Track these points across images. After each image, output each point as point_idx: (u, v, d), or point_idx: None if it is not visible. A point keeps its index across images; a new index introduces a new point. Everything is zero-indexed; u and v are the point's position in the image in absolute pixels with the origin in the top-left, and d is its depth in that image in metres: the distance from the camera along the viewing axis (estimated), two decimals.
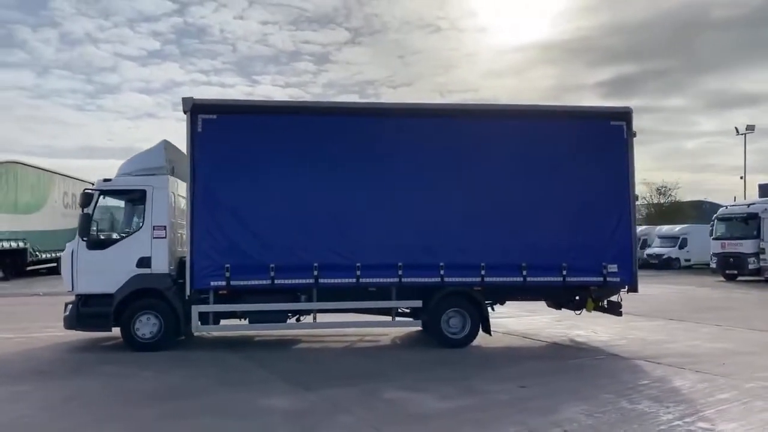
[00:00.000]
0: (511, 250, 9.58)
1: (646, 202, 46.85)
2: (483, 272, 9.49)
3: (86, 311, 9.15)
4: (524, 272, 9.54)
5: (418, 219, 9.47)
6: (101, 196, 9.43)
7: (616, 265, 9.76)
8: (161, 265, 9.27)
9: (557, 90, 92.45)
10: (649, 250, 35.52)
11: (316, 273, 9.20)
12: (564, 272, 9.62)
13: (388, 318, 9.70)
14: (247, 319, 9.51)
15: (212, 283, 9.09)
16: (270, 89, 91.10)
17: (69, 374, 7.78)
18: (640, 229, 37.90)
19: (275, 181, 9.30)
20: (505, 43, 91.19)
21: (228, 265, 9.07)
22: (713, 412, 6.17)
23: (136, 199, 9.50)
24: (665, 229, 36.96)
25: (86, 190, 9.25)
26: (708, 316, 13.76)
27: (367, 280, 9.35)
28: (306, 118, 9.52)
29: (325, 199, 9.36)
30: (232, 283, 9.10)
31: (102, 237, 9.58)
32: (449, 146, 9.64)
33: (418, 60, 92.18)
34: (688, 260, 34.63)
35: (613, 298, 10.26)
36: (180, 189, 9.63)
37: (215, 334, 10.47)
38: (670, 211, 45.15)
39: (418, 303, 9.54)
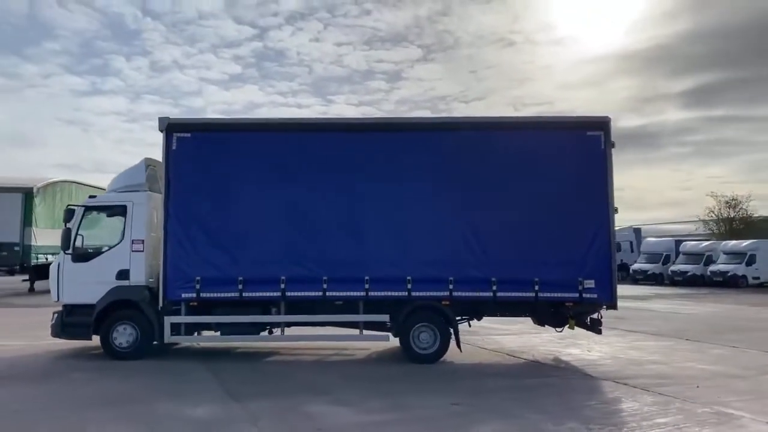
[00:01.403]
0: (480, 264, 9.40)
1: (714, 217, 44.27)
2: (451, 286, 9.35)
3: (69, 320, 9.69)
4: (494, 287, 9.33)
5: (384, 233, 9.47)
6: (86, 212, 9.98)
7: (593, 281, 9.38)
8: (139, 277, 9.70)
9: (636, 101, 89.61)
10: (713, 267, 33.51)
11: (283, 286, 9.35)
12: (536, 288, 9.33)
13: (357, 331, 9.69)
14: (219, 331, 9.76)
15: (183, 295, 9.42)
16: (344, 108, 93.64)
17: (35, 379, 8.23)
18: (704, 244, 35.98)
19: (243, 197, 9.55)
20: (581, 55, 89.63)
21: (198, 278, 9.38)
22: None
23: (117, 214, 9.98)
24: (731, 244, 34.76)
25: (69, 206, 9.84)
26: (731, 338, 12.93)
27: (334, 293, 9.41)
28: (272, 135, 9.75)
29: (291, 213, 9.53)
30: (202, 295, 9.40)
31: (90, 250, 10.09)
32: (418, 160, 9.59)
33: (492, 74, 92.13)
34: (757, 278, 32.40)
35: (594, 316, 9.84)
36: (161, 205, 10.03)
37: (203, 344, 10.81)
38: (741, 226, 42.39)
39: (385, 317, 9.51)
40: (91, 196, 10.30)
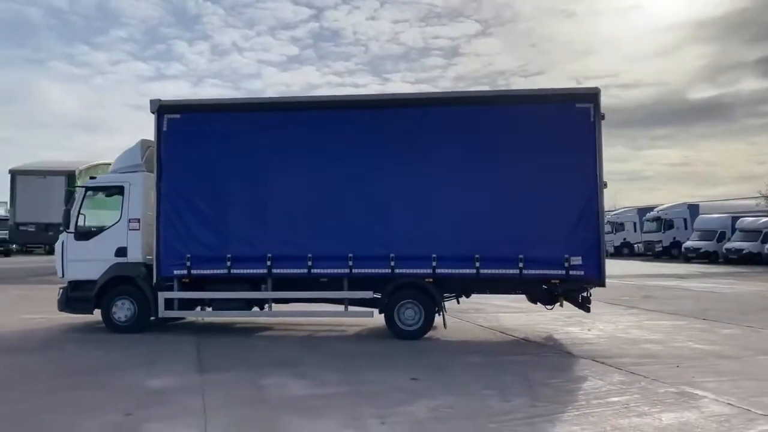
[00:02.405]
0: (463, 241, 9.31)
1: None
2: (434, 264, 9.31)
3: (73, 296, 10.24)
4: (477, 264, 9.22)
5: (367, 210, 9.51)
6: (87, 192, 10.45)
7: (579, 258, 9.13)
8: (136, 254, 10.12)
9: (711, 70, 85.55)
10: None
11: (269, 264, 9.56)
12: (521, 265, 9.17)
13: (343, 308, 9.81)
14: (211, 307, 10.09)
15: (175, 272, 9.77)
16: (400, 86, 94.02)
17: (34, 349, 8.75)
18: (762, 220, 34.21)
19: (230, 176, 9.76)
20: (649, 24, 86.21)
21: (189, 255, 9.70)
22: (573, 415, 5.72)
23: (116, 194, 10.41)
24: None
25: (69, 188, 10.33)
26: (754, 318, 12.40)
27: (319, 270, 9.54)
28: (256, 114, 9.92)
29: (277, 191, 9.69)
30: (193, 272, 9.72)
31: (93, 229, 10.58)
32: (400, 135, 9.55)
33: (553, 47, 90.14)
34: None
35: (584, 293, 9.58)
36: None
37: (207, 319, 11.21)
38: None
39: (369, 294, 9.57)
40: (91, 177, 10.78)
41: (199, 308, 10.30)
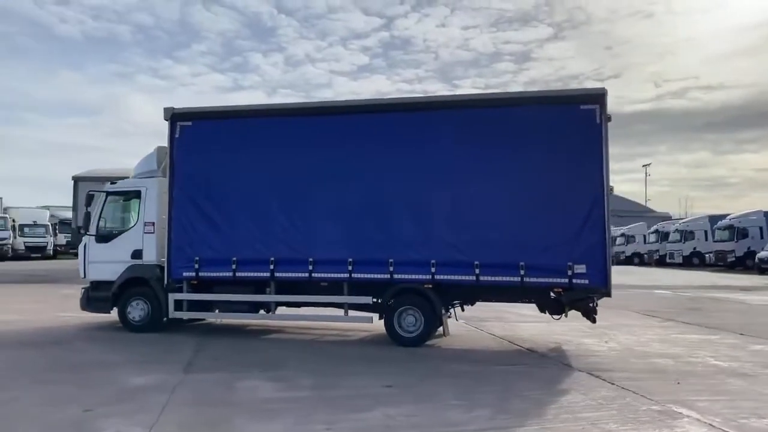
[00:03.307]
0: (463, 246, 9.10)
1: None
2: (433, 270, 9.16)
3: (94, 295, 10.74)
4: (477, 271, 9.00)
5: (368, 215, 9.47)
6: (108, 197, 10.94)
7: (584, 266, 8.74)
8: (151, 256, 10.50)
9: None
10: None
11: (272, 267, 9.68)
12: (522, 272, 8.87)
13: (344, 313, 9.81)
14: (218, 309, 10.32)
15: (184, 274, 10.07)
16: (470, 92, 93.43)
17: (42, 345, 9.20)
18: None
19: (237, 181, 9.97)
20: (731, 23, 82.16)
21: (197, 258, 9.97)
22: (531, 430, 5.46)
23: (133, 198, 10.85)
24: None
25: (90, 192, 10.85)
26: None
27: (319, 274, 9.59)
28: (262, 120, 10.08)
29: (281, 196, 9.82)
30: (200, 274, 9.99)
31: (114, 232, 11.03)
32: (401, 140, 9.46)
33: (628, 50, 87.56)
34: None
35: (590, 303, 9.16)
36: None
37: (225, 321, 11.49)
38: None
39: (368, 299, 9.52)
40: (111, 182, 11.27)
41: (217, 310, 10.56)
